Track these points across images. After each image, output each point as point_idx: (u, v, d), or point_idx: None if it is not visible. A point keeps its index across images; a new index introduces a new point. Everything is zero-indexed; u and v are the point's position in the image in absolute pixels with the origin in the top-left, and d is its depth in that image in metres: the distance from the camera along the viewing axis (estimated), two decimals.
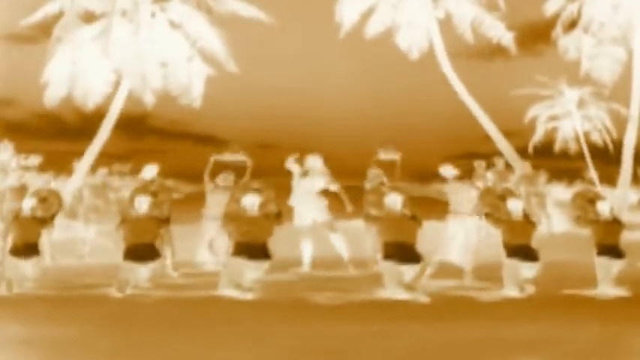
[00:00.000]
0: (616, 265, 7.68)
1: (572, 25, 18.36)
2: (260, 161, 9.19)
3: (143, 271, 7.48)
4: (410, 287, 6.96)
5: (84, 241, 11.23)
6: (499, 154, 15.82)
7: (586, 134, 26.50)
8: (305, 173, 9.13)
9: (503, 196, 7.93)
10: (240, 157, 9.14)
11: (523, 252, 7.40)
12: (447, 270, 8.17)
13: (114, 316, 6.21)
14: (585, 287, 7.58)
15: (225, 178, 9.18)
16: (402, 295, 6.85)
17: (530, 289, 7.34)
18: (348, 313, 6.30)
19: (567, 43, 18.22)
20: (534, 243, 7.58)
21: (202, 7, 17.41)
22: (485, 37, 17.89)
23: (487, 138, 18.37)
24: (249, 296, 6.86)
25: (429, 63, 18.11)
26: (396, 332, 5.41)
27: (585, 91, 26.50)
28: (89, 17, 17.08)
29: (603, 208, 7.98)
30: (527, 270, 7.36)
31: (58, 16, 16.99)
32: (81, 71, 16.85)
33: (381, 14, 18.15)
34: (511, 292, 7.26)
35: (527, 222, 7.68)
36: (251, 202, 7.42)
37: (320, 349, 4.85)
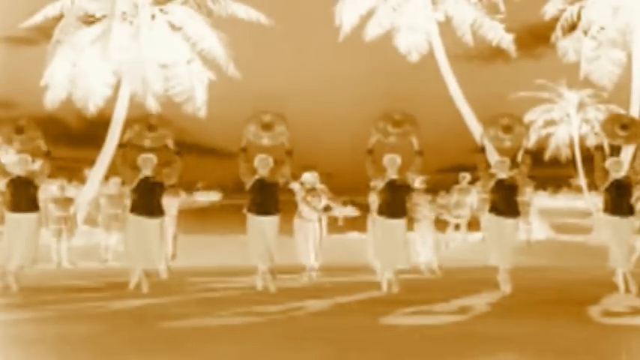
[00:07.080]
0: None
1: (571, 27, 18.22)
2: None
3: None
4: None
5: (106, 247, 11.50)
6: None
7: (582, 138, 26.24)
8: (310, 191, 8.98)
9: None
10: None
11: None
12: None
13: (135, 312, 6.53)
14: (565, 291, 7.67)
15: None
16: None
17: (507, 289, 7.52)
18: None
19: (567, 46, 18.15)
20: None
21: (202, 9, 17.36)
22: (485, 40, 17.91)
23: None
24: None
25: (428, 66, 17.98)
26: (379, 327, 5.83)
27: (584, 94, 26.43)
28: (89, 19, 17.02)
29: None
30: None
31: (58, 19, 17.06)
32: (81, 74, 16.91)
33: (380, 17, 18.20)
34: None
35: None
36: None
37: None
